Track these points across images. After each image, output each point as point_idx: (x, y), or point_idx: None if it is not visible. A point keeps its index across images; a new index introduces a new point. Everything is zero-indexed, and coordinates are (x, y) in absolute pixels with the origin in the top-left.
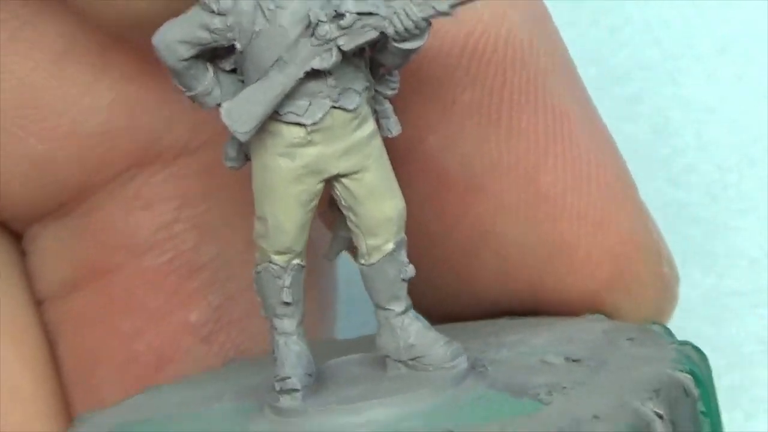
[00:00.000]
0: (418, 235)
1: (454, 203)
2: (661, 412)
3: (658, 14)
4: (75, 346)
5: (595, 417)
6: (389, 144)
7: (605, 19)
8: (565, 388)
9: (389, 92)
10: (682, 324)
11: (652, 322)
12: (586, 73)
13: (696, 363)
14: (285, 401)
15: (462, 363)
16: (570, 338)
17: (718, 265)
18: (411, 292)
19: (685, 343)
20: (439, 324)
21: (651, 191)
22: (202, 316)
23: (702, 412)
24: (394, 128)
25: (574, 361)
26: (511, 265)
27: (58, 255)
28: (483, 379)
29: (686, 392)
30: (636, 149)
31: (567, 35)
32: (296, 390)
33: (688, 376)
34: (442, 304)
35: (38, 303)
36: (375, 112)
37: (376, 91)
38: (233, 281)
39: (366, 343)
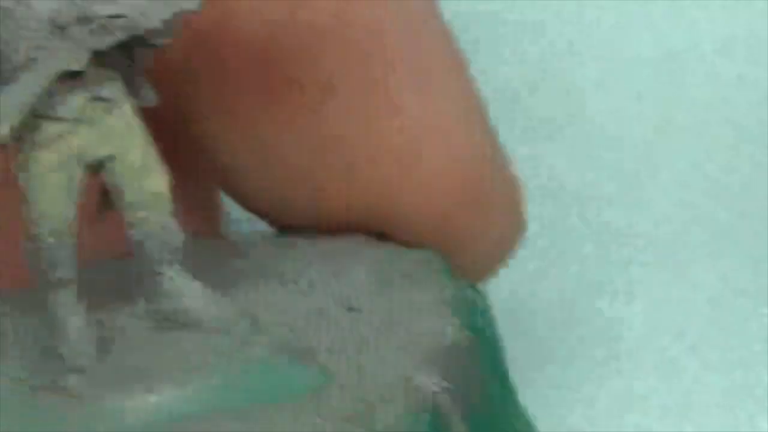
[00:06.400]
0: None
1: (305, 106)
2: (448, 385)
3: (660, 13)
4: None
5: (385, 399)
6: None
7: (608, 18)
8: (347, 353)
9: (144, 103)
10: (685, 324)
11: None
12: (588, 72)
13: (479, 311)
14: (68, 380)
15: (242, 322)
16: (340, 268)
17: (722, 265)
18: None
19: (464, 283)
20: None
21: (653, 191)
22: None
23: (490, 371)
24: (150, 97)
25: (354, 310)
26: (358, 177)
27: None
28: (261, 335)
29: (470, 354)
30: (637, 149)
31: (568, 34)
32: (79, 370)
33: (472, 335)
34: (287, 216)
35: None
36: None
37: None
38: None
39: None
